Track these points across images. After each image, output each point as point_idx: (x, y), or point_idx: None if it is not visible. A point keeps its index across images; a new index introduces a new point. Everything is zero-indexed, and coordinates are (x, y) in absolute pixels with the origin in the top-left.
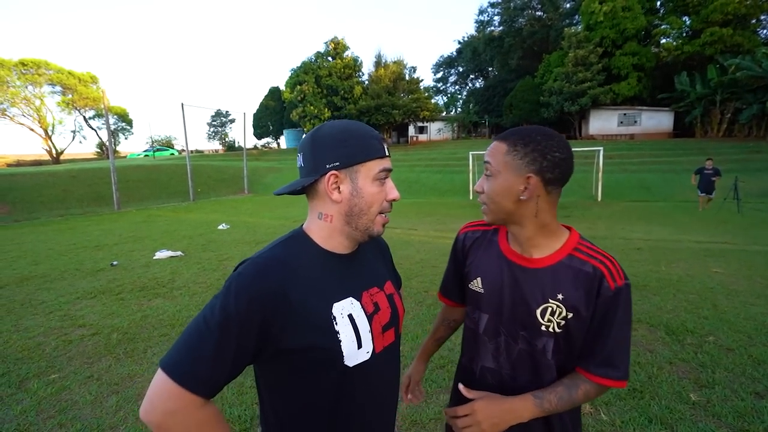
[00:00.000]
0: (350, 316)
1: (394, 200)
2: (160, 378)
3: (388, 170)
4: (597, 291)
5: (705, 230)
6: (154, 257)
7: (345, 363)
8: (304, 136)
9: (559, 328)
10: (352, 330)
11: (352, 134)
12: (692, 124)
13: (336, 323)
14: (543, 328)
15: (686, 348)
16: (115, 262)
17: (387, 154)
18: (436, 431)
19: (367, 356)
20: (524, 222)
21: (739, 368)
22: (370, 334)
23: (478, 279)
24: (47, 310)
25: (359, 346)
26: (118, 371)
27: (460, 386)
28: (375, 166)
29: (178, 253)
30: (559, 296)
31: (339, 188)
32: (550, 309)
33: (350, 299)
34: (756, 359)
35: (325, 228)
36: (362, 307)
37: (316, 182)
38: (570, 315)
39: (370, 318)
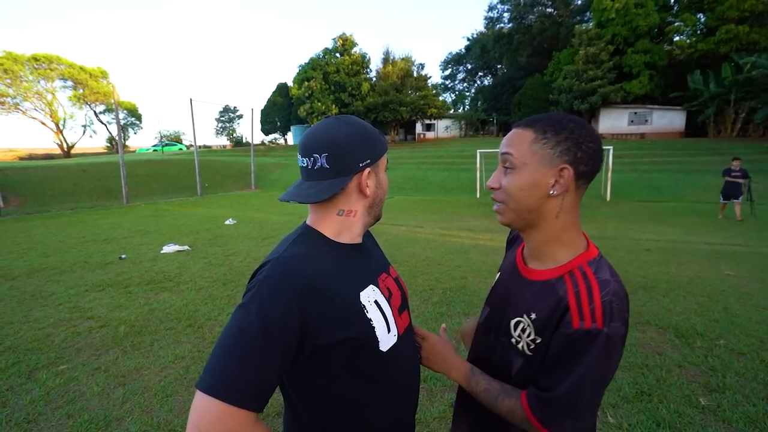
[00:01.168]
0: (376, 302)
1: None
2: (203, 401)
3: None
4: (557, 323)
5: (716, 232)
6: (162, 251)
7: (380, 348)
8: (310, 133)
9: (529, 351)
10: (381, 315)
11: (370, 132)
12: (705, 123)
13: (367, 311)
14: (513, 341)
15: (696, 351)
16: (123, 256)
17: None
18: (440, 430)
19: (395, 339)
20: (541, 224)
21: (750, 373)
22: (393, 317)
23: (498, 274)
24: (57, 301)
25: (388, 330)
26: (125, 364)
27: (442, 326)
28: (384, 159)
29: (186, 247)
30: (532, 315)
31: (368, 183)
32: (521, 324)
33: (371, 286)
34: None
35: (344, 223)
36: (381, 292)
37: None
38: (539, 340)
39: (389, 302)
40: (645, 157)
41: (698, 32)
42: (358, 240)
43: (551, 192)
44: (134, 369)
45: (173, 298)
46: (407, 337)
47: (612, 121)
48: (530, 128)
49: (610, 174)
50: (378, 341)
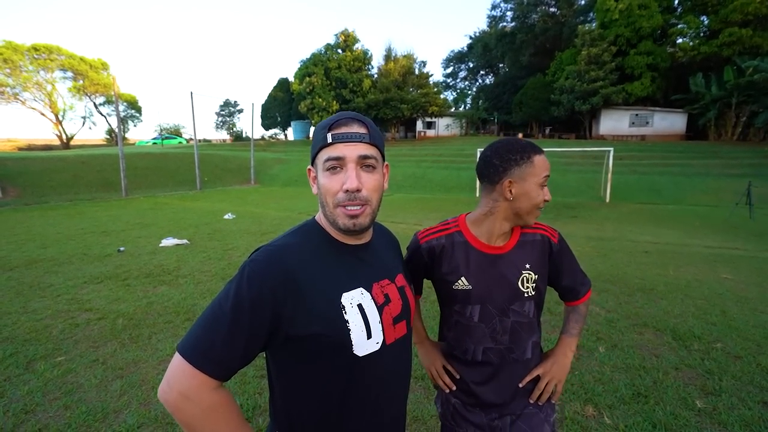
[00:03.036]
0: (360, 306)
1: (349, 190)
2: (176, 360)
3: (335, 158)
4: (549, 250)
5: (715, 235)
6: (161, 245)
7: (354, 352)
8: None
9: (533, 291)
10: (362, 320)
11: (316, 129)
12: (706, 126)
13: (345, 312)
14: (525, 295)
15: (693, 354)
16: (121, 248)
17: (330, 141)
18: (437, 429)
19: (377, 347)
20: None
21: (747, 376)
22: (380, 325)
23: (462, 278)
24: (55, 293)
25: (369, 336)
26: (123, 356)
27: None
28: (322, 155)
29: (184, 241)
30: (527, 266)
31: (314, 181)
32: (524, 278)
33: (360, 289)
34: (764, 368)
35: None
36: (372, 298)
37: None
38: (537, 276)
39: (380, 309)
40: (645, 159)
41: (701, 35)
42: (361, 241)
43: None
44: (132, 362)
45: (171, 292)
46: (396, 348)
47: (613, 123)
48: None
49: (610, 175)
50: (352, 344)
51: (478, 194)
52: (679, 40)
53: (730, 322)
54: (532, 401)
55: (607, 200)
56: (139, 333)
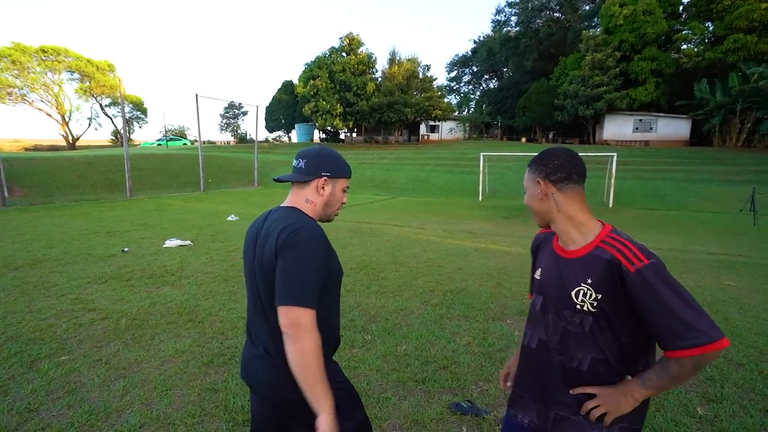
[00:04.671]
0: (334, 251)
1: (343, 204)
2: (295, 310)
3: (348, 187)
4: (619, 276)
5: (719, 242)
6: (164, 245)
7: (341, 277)
8: (311, 148)
9: (593, 308)
10: (337, 258)
11: (338, 160)
12: (710, 132)
13: (338, 259)
14: (578, 306)
15: None
16: (126, 249)
17: (350, 176)
18: (437, 431)
19: (343, 273)
20: (554, 217)
21: (749, 384)
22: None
23: (539, 270)
24: (59, 293)
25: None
26: (125, 356)
27: (577, 390)
28: (345, 182)
29: (188, 242)
30: (588, 281)
31: (324, 188)
32: (581, 291)
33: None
34: (767, 375)
35: (310, 209)
36: None
37: (311, 180)
38: (600, 296)
39: None
40: (649, 165)
41: (706, 41)
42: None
43: (540, 197)
44: (135, 362)
45: (174, 293)
46: None
47: (617, 128)
48: (527, 167)
49: (613, 180)
50: (341, 273)
51: (480, 198)
52: (684, 46)
53: (732, 329)
54: (582, 413)
55: (611, 205)
56: (141, 333)
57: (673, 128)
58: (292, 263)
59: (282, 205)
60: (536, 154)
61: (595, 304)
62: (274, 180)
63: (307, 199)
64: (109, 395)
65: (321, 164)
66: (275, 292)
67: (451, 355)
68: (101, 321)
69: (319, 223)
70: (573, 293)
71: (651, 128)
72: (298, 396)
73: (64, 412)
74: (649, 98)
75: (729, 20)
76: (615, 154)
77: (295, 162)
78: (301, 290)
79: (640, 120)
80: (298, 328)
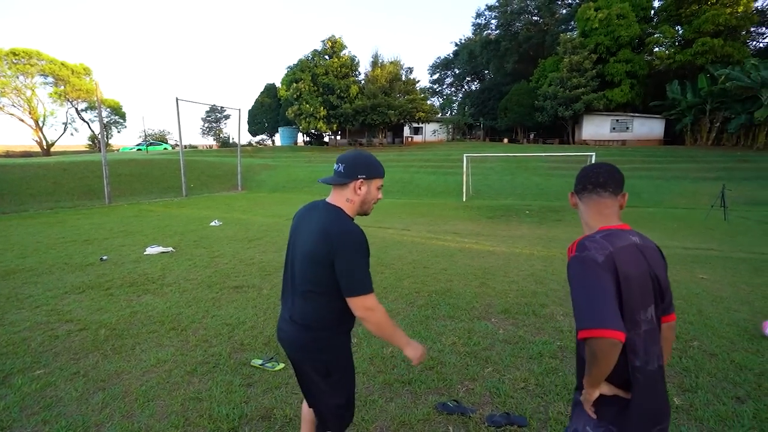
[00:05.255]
0: None
1: (379, 199)
2: (364, 299)
3: (382, 185)
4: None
5: (693, 237)
6: (145, 253)
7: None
8: (348, 153)
9: None
10: None
11: (372, 162)
12: (682, 132)
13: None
14: None
15: (671, 352)
16: (104, 257)
17: (383, 176)
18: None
19: None
20: (582, 223)
21: (721, 373)
22: None
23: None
24: (34, 304)
25: None
26: (105, 368)
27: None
28: (379, 182)
29: (169, 249)
30: None
31: (361, 188)
32: None
33: None
34: (738, 364)
35: (350, 207)
36: None
37: (350, 182)
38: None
39: None
40: (626, 164)
41: (676, 44)
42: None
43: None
44: (115, 373)
45: (156, 301)
46: None
47: (594, 128)
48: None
49: None
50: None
51: (464, 199)
52: (656, 49)
53: (705, 321)
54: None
55: None
56: (122, 343)
57: (648, 128)
58: (353, 262)
59: (326, 200)
60: (518, 154)
61: None
62: (320, 182)
63: (347, 198)
64: (88, 408)
65: (358, 167)
66: (342, 287)
67: (437, 355)
68: (79, 332)
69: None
70: None
71: (627, 128)
72: (312, 351)
73: (40, 428)
74: (624, 99)
75: (697, 24)
76: (593, 153)
77: (335, 166)
78: (363, 282)
79: (617, 120)
80: (369, 311)
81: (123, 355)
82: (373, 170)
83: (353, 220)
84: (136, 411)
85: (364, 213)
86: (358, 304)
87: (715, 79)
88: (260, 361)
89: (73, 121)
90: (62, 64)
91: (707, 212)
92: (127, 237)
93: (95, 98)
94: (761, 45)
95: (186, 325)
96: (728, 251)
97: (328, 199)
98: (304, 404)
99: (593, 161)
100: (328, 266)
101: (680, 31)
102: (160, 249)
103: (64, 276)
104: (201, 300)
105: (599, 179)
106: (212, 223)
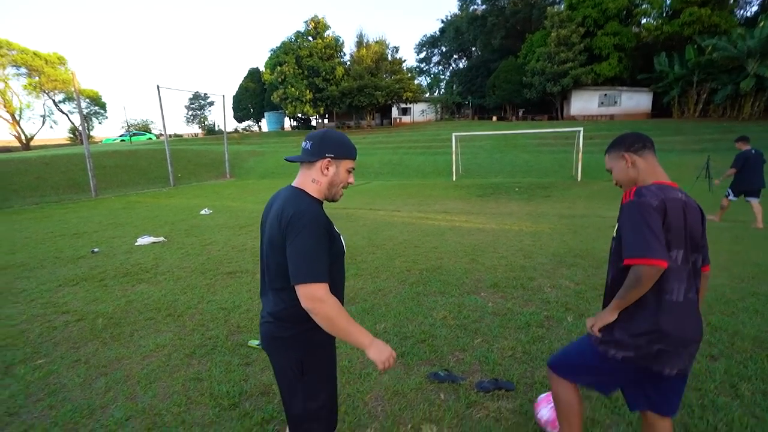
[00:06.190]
0: (339, 234)
1: (350, 184)
2: (306, 286)
3: (354, 167)
4: (620, 209)
5: None
6: (136, 243)
7: (343, 254)
8: (317, 131)
9: (615, 235)
10: (341, 239)
11: (344, 141)
12: (670, 104)
13: (341, 236)
14: (614, 235)
15: None
16: (95, 249)
17: (356, 158)
18: (416, 400)
19: (344, 252)
20: (637, 179)
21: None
22: (344, 244)
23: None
24: (28, 298)
25: (344, 248)
26: (105, 354)
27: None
28: (349, 164)
29: (161, 239)
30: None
31: (328, 168)
32: (617, 225)
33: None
34: (713, 326)
35: (315, 189)
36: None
37: (316, 161)
38: (617, 226)
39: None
40: (613, 138)
41: (664, 15)
42: (322, 200)
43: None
44: (115, 359)
45: (151, 289)
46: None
47: (583, 103)
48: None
49: (580, 155)
50: (344, 251)
51: (454, 178)
52: (644, 20)
53: None
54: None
55: (579, 179)
56: (120, 331)
57: (636, 101)
58: (300, 245)
59: (292, 184)
60: (507, 131)
61: (616, 230)
62: (286, 160)
63: (313, 179)
64: (92, 393)
65: (325, 146)
66: (281, 267)
67: (428, 329)
68: (76, 322)
69: (324, 202)
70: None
71: (615, 102)
72: (284, 347)
73: (47, 413)
74: (612, 72)
75: None
76: (581, 129)
77: (303, 144)
78: (310, 268)
79: (605, 94)
80: (316, 302)
81: (122, 342)
82: (343, 150)
83: (320, 203)
84: (139, 393)
85: (331, 198)
86: (302, 293)
87: (702, 50)
88: (257, 342)
89: (51, 114)
90: (35, 53)
91: (692, 184)
92: (117, 229)
93: (72, 89)
94: (749, 14)
95: (182, 311)
96: (709, 220)
97: (294, 182)
98: None
99: (581, 137)
100: (284, 253)
101: (668, 2)
102: (152, 239)
103: (56, 269)
104: (196, 287)
105: (649, 140)
106: (202, 212)
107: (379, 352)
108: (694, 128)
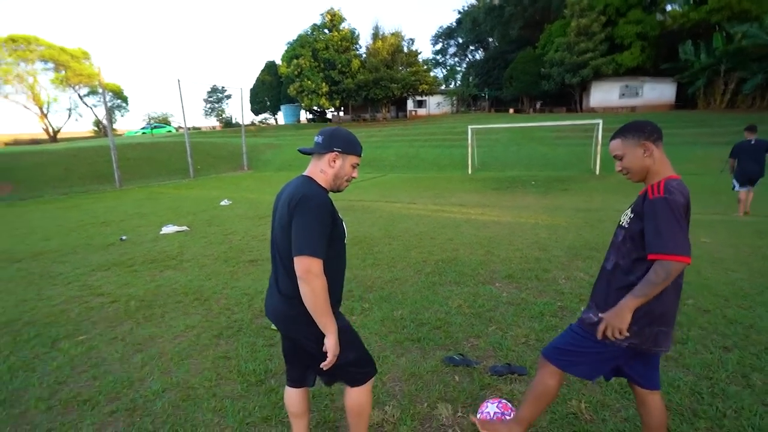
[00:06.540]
0: (342, 220)
1: (354, 178)
2: (306, 259)
3: (358, 163)
4: (643, 201)
5: (699, 202)
6: (161, 232)
7: (345, 240)
8: (329, 128)
9: (626, 225)
10: (344, 227)
11: (351, 138)
12: (695, 95)
13: (343, 222)
14: (620, 223)
15: None
16: (124, 237)
17: (361, 155)
18: (432, 382)
19: (346, 240)
20: (651, 168)
21: (712, 327)
22: (346, 231)
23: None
24: (66, 281)
25: (345, 235)
26: (140, 333)
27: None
28: (354, 159)
29: (184, 228)
30: (632, 206)
31: (335, 161)
32: (626, 213)
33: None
34: (729, 319)
35: (323, 178)
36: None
37: (325, 153)
38: (632, 215)
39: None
40: None
41: (691, 1)
42: (328, 190)
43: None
44: (149, 337)
45: (178, 275)
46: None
47: (603, 95)
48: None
49: (599, 148)
50: (345, 236)
51: (470, 171)
52: (669, 8)
53: (703, 281)
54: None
55: (597, 172)
56: (151, 313)
57: (659, 92)
58: (304, 223)
59: (303, 173)
60: (523, 124)
61: (627, 220)
62: (299, 151)
63: (321, 169)
64: (130, 367)
65: (334, 141)
66: (291, 246)
67: (444, 316)
68: (111, 304)
69: (330, 193)
70: (622, 215)
71: (637, 93)
72: (302, 324)
73: (91, 383)
74: (635, 62)
75: None
76: (600, 121)
77: (315, 138)
78: (311, 243)
79: (626, 86)
80: (309, 274)
81: (154, 323)
82: (349, 146)
83: (327, 191)
84: (173, 368)
85: (336, 189)
86: (300, 264)
87: (731, 38)
88: None
89: (77, 107)
90: (61, 49)
91: (716, 177)
92: (142, 218)
93: (96, 83)
94: None
95: (208, 295)
96: (734, 216)
97: (305, 171)
98: (289, 398)
99: (600, 129)
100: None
101: None
102: (176, 228)
103: (88, 255)
104: (219, 273)
105: (661, 132)
106: (222, 203)
107: (335, 344)
108: (720, 120)
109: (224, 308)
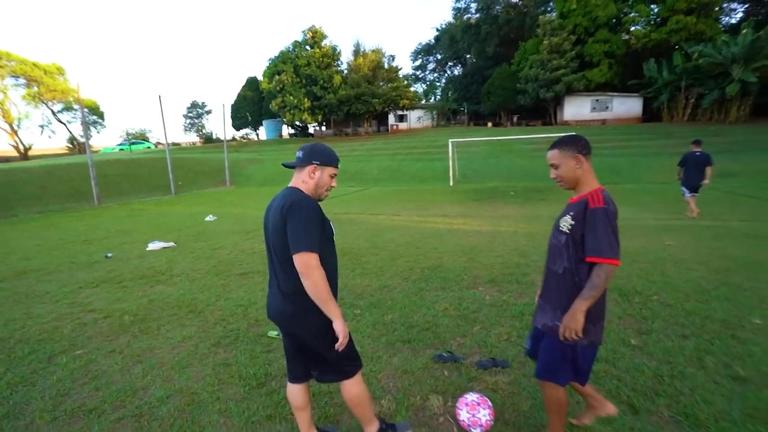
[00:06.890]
0: (330, 221)
1: (333, 187)
2: (303, 255)
3: (336, 174)
4: (585, 210)
5: (665, 209)
6: (147, 248)
7: (333, 238)
8: (308, 144)
9: (567, 230)
10: (331, 225)
11: (328, 152)
12: (659, 109)
13: (331, 223)
14: (561, 229)
15: (633, 305)
16: (109, 254)
17: (337, 166)
18: (424, 378)
19: (334, 236)
20: (581, 179)
21: (674, 319)
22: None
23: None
24: (53, 298)
25: (333, 233)
26: (137, 345)
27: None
28: (332, 170)
29: (171, 243)
30: (571, 213)
31: (315, 173)
32: (566, 219)
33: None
34: (688, 311)
35: (306, 188)
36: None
37: (306, 166)
38: (573, 223)
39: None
40: (606, 142)
41: (652, 22)
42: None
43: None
44: (147, 349)
45: (169, 290)
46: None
47: (575, 109)
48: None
49: None
50: (333, 233)
51: (451, 183)
52: (632, 28)
53: (667, 279)
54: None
55: None
56: (147, 326)
57: (627, 107)
58: (297, 223)
59: (289, 185)
60: (502, 137)
61: (569, 226)
62: (282, 165)
63: (303, 180)
64: (131, 377)
65: (313, 155)
66: (289, 245)
67: (432, 319)
68: (104, 319)
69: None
70: (561, 221)
71: (607, 107)
72: (301, 320)
73: (94, 394)
74: (603, 79)
75: (671, 2)
76: (574, 134)
77: (297, 152)
78: (306, 240)
79: (597, 100)
80: (308, 268)
81: (150, 335)
82: (326, 158)
83: (312, 198)
84: (174, 376)
85: (318, 198)
86: (299, 260)
87: (689, 56)
88: (276, 332)
89: (50, 124)
90: (34, 64)
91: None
92: (126, 235)
93: (71, 99)
94: (733, 20)
95: (202, 307)
96: (696, 220)
97: (290, 183)
98: (291, 393)
99: None
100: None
101: (655, 10)
102: (162, 244)
103: (74, 273)
104: (211, 286)
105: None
106: (207, 218)
107: (343, 326)
108: (682, 132)
109: (219, 319)
